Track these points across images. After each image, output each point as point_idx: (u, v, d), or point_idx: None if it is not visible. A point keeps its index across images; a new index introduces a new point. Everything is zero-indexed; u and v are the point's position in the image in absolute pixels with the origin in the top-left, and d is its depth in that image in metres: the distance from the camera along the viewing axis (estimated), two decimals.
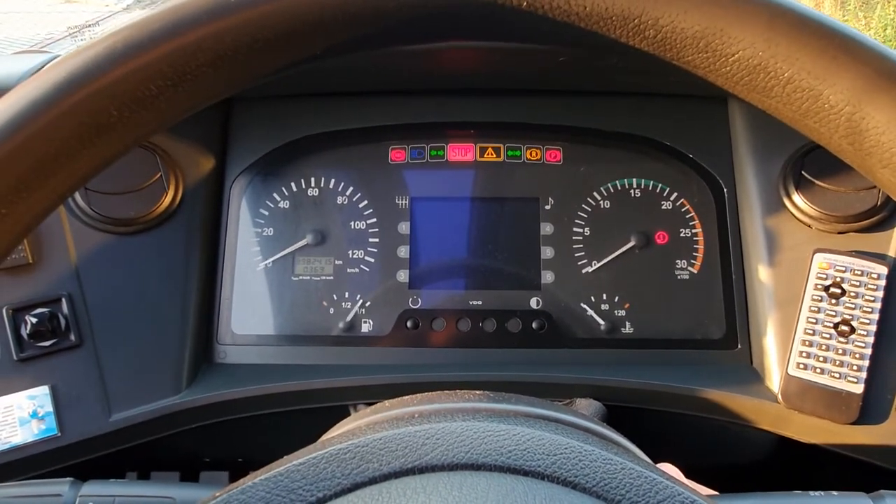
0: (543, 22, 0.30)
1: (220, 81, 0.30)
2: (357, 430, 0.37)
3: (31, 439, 0.67)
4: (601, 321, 0.79)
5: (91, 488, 0.44)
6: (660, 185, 0.82)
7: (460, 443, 0.34)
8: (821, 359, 0.70)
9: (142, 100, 0.28)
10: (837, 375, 0.69)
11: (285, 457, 0.35)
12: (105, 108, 0.28)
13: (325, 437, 0.44)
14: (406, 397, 0.46)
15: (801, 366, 0.70)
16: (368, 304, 0.80)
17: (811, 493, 0.47)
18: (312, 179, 0.83)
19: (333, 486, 0.32)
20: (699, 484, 0.51)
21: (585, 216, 0.81)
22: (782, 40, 0.27)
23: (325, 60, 0.32)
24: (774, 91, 0.28)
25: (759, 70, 0.28)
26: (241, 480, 0.33)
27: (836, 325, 0.70)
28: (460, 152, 0.83)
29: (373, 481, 0.32)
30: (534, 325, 0.79)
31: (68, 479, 0.44)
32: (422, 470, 0.33)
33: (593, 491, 0.32)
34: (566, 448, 0.33)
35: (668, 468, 0.54)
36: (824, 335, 0.70)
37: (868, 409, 0.68)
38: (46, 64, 0.78)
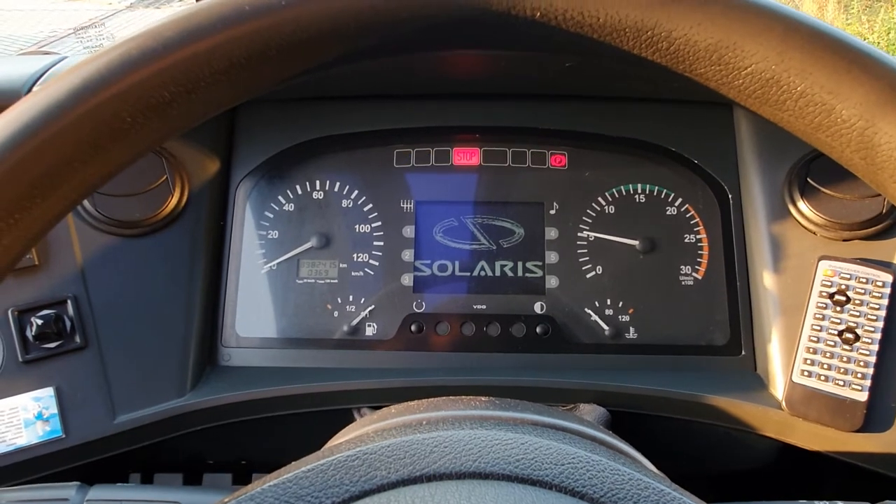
0: (557, 32, 0.30)
1: (233, 89, 0.30)
2: (364, 436, 0.37)
3: (35, 441, 0.67)
4: (605, 326, 0.79)
5: (98, 493, 0.44)
6: (664, 191, 0.82)
7: (469, 451, 0.34)
8: (825, 366, 0.70)
9: (155, 106, 0.28)
10: (842, 383, 0.69)
11: (293, 463, 0.35)
12: (119, 114, 0.28)
13: (331, 443, 0.44)
14: (412, 403, 0.46)
15: (806, 373, 0.70)
16: (373, 307, 0.80)
17: (816, 501, 0.47)
18: (318, 182, 0.83)
19: (342, 493, 0.32)
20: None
21: (590, 221, 0.81)
22: (796, 54, 0.27)
23: (337, 67, 0.32)
24: (787, 105, 0.28)
25: (772, 84, 0.28)
26: (249, 486, 0.33)
27: (840, 333, 0.70)
28: (465, 156, 0.83)
29: (381, 489, 0.32)
30: (538, 329, 0.79)
31: (75, 483, 0.44)
32: (430, 478, 0.33)
33: (601, 502, 0.32)
34: (574, 458, 0.33)
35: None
36: (829, 342, 0.70)
37: (872, 417, 0.68)
38: (53, 66, 0.79)
